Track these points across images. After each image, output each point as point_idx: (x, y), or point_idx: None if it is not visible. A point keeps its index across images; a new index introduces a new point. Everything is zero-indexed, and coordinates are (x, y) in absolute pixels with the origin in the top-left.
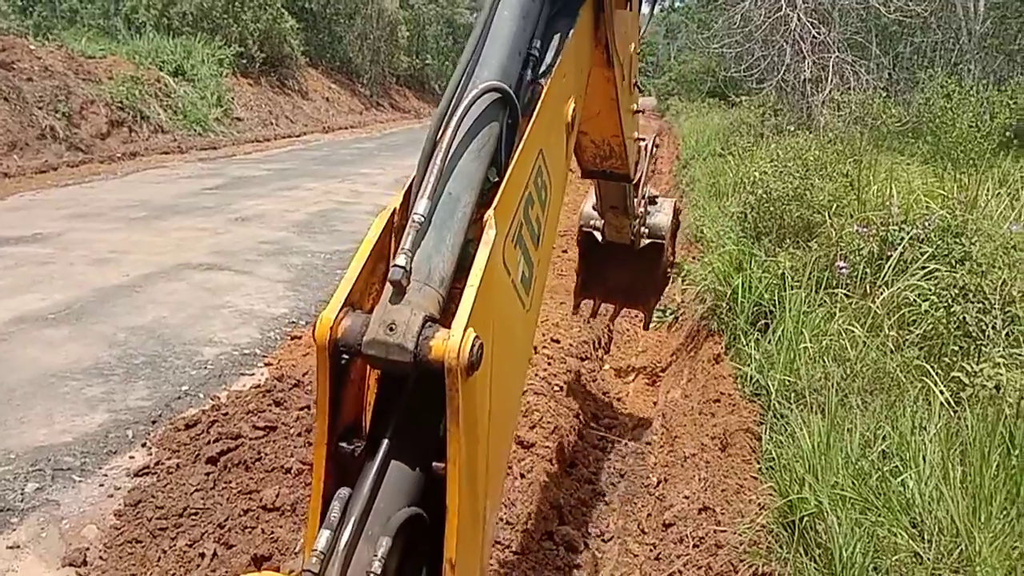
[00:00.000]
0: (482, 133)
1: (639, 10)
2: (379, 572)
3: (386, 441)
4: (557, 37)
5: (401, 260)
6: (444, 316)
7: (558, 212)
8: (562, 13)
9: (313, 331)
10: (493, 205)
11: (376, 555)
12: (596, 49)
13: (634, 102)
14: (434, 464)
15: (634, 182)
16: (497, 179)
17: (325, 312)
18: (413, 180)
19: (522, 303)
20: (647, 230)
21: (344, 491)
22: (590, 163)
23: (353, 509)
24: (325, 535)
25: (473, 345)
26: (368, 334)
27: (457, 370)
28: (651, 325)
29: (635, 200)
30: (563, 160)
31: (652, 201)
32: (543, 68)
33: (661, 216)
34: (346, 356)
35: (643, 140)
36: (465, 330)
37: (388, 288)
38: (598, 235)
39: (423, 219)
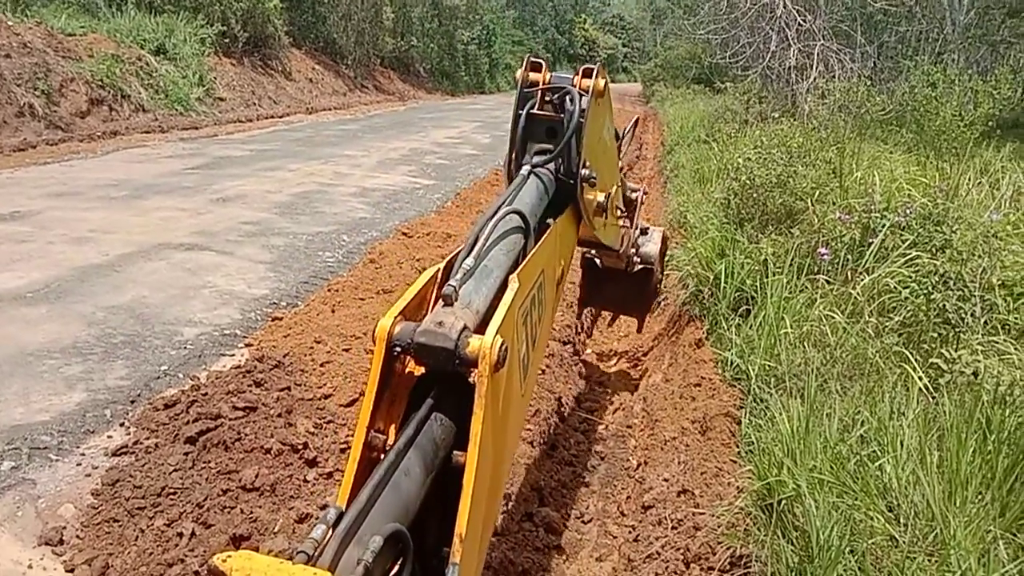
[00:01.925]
0: (510, 239)
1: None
2: (371, 562)
3: (393, 455)
4: (550, 220)
5: (453, 282)
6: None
7: (545, 341)
8: (555, 204)
9: (373, 333)
10: (516, 271)
11: (369, 548)
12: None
13: (617, 221)
14: (454, 453)
15: (620, 251)
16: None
17: (383, 319)
18: (458, 253)
19: (520, 382)
20: (639, 259)
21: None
22: (582, 239)
23: (349, 513)
24: (320, 528)
25: (501, 346)
26: (421, 327)
27: (487, 362)
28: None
29: (626, 246)
30: (553, 298)
31: (644, 232)
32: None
33: (651, 245)
34: (398, 349)
35: (636, 192)
36: (495, 335)
37: (439, 303)
38: (598, 262)
39: (469, 268)
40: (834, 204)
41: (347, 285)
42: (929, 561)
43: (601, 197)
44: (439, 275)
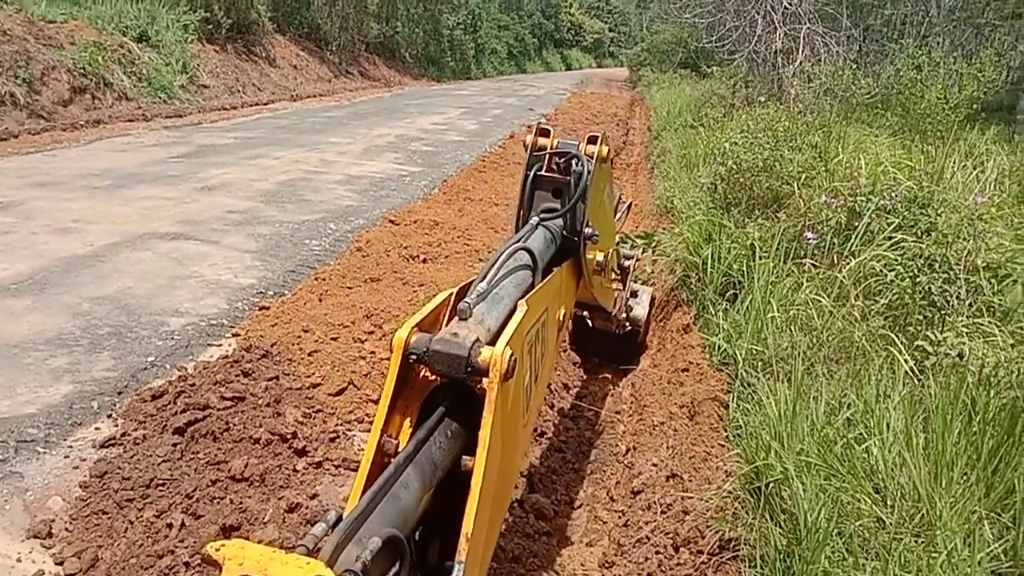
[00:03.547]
0: (520, 274)
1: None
2: (368, 560)
3: (392, 468)
4: (555, 269)
5: (468, 300)
6: None
7: (546, 381)
8: (558, 259)
9: (390, 343)
10: (525, 298)
11: (367, 548)
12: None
13: (612, 284)
14: (463, 458)
15: (613, 313)
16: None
17: (400, 330)
18: (472, 281)
19: (523, 411)
20: (629, 322)
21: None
22: (579, 300)
23: (351, 515)
24: (320, 526)
25: (511, 358)
26: (437, 336)
27: (498, 370)
28: None
29: (618, 309)
30: (554, 341)
31: (634, 294)
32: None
33: (640, 309)
34: (414, 357)
35: (628, 260)
36: (505, 346)
37: (454, 319)
38: (589, 322)
39: (483, 292)
40: (820, 188)
41: (334, 274)
42: (916, 542)
43: (600, 257)
44: (452, 297)
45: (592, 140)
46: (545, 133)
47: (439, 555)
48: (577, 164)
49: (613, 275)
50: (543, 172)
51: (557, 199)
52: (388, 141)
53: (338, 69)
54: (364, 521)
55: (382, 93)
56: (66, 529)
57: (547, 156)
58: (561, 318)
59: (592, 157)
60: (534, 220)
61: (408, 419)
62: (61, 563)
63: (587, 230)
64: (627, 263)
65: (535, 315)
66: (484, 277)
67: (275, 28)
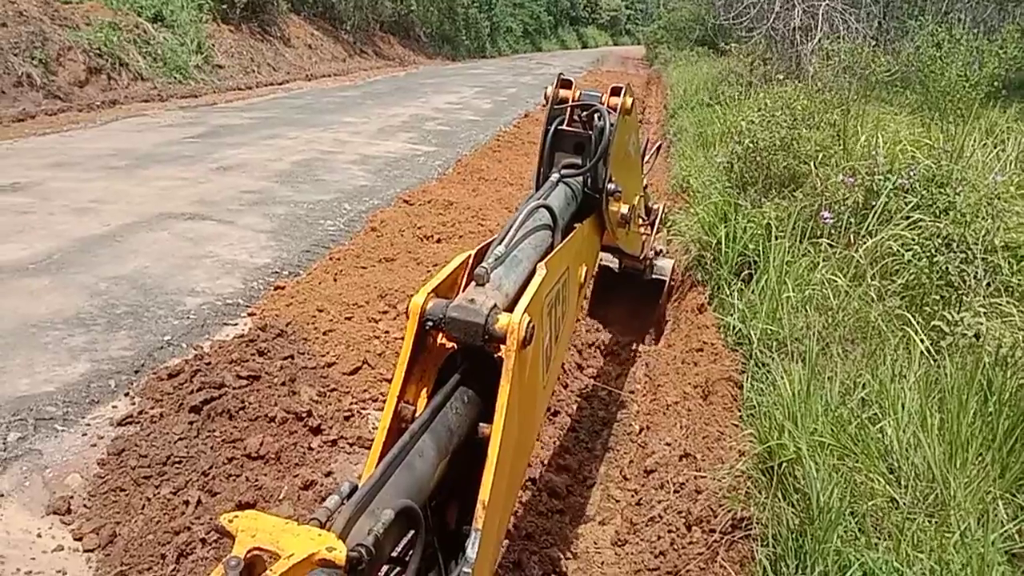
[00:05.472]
0: (540, 234)
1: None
2: (381, 533)
3: (407, 436)
4: (576, 225)
5: (486, 264)
6: None
7: (567, 341)
8: (580, 214)
9: (407, 309)
10: (544, 260)
11: (380, 520)
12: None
13: (638, 230)
14: (480, 425)
15: (641, 256)
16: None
17: (417, 295)
18: (491, 241)
19: (542, 374)
20: (655, 270)
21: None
22: (605, 245)
23: (364, 487)
24: (334, 499)
25: (529, 324)
26: (453, 303)
27: (515, 337)
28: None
29: (646, 251)
30: (576, 299)
31: (658, 253)
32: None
33: (666, 261)
34: (430, 323)
35: (656, 206)
36: (523, 313)
37: (471, 283)
38: (614, 267)
39: (500, 256)
40: (838, 167)
41: (349, 253)
42: (929, 522)
43: (625, 209)
44: (470, 260)
45: (615, 92)
46: (567, 84)
47: (458, 519)
48: (599, 119)
49: (640, 220)
50: (564, 126)
51: (580, 153)
52: (402, 121)
53: (353, 48)
54: (378, 492)
55: (397, 72)
56: (84, 506)
57: (568, 109)
58: (583, 277)
59: (615, 109)
60: (554, 176)
61: (425, 386)
62: (80, 539)
63: (610, 186)
64: (656, 205)
65: (555, 277)
66: (502, 239)
67: (289, 7)
